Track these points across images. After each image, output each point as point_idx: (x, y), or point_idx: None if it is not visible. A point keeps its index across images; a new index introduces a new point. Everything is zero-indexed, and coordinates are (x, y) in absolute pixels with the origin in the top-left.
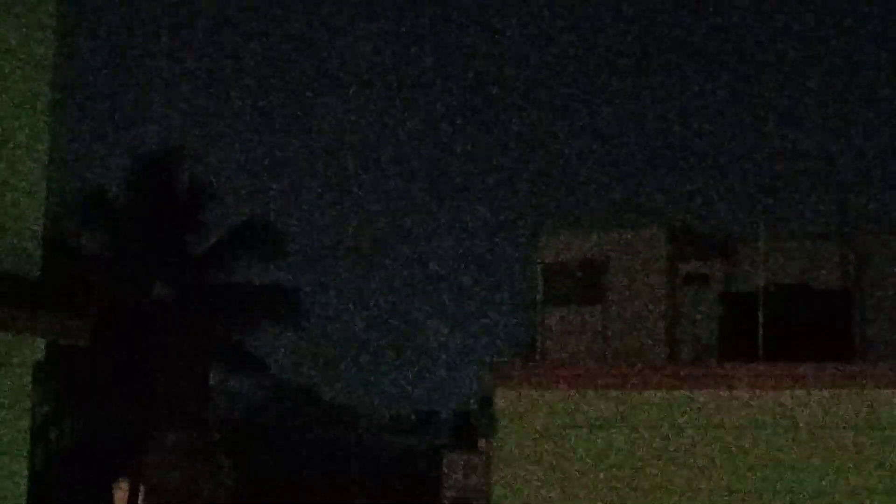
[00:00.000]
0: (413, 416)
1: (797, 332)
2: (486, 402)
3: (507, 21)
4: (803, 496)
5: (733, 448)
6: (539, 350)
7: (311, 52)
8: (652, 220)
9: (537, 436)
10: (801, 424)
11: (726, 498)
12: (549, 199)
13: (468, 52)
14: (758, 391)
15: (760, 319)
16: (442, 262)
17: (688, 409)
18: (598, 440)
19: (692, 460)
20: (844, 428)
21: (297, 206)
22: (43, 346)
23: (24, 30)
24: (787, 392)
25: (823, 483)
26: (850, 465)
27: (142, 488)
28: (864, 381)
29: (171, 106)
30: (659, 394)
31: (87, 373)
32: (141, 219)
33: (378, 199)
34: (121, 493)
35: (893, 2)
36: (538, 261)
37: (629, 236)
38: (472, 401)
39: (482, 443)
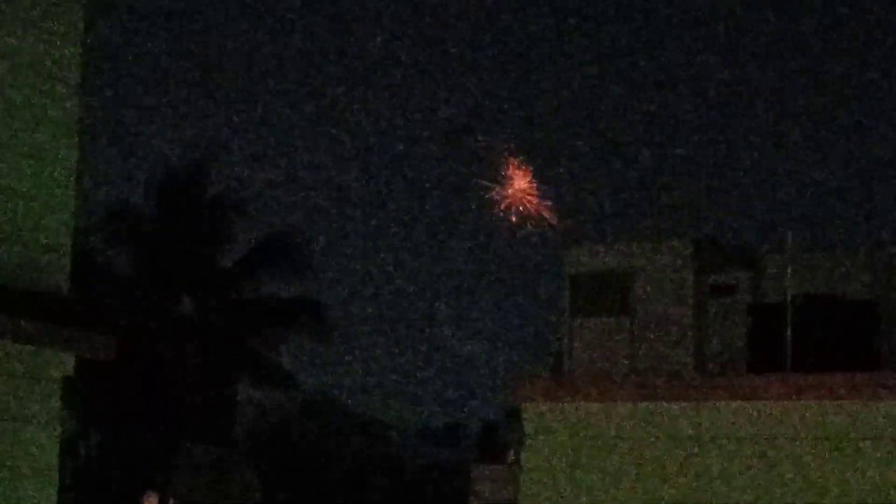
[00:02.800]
0: (441, 428)
1: (825, 343)
2: (514, 414)
3: (531, 22)
4: None
5: (762, 460)
6: (566, 362)
7: (338, 61)
8: (679, 231)
9: (565, 448)
10: (829, 435)
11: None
12: (577, 211)
13: (491, 57)
14: (786, 402)
15: (788, 331)
16: (470, 273)
17: (716, 421)
18: (626, 453)
19: (721, 473)
20: (873, 439)
21: (324, 218)
22: (71, 361)
23: (53, 47)
24: (816, 403)
25: (851, 494)
26: (879, 476)
27: (171, 502)
28: (892, 392)
29: (196, 120)
30: (687, 406)
31: (115, 387)
32: (167, 233)
33: (404, 210)
34: None
35: None
36: (565, 272)
37: (656, 247)
38: (499, 413)
39: (510, 455)
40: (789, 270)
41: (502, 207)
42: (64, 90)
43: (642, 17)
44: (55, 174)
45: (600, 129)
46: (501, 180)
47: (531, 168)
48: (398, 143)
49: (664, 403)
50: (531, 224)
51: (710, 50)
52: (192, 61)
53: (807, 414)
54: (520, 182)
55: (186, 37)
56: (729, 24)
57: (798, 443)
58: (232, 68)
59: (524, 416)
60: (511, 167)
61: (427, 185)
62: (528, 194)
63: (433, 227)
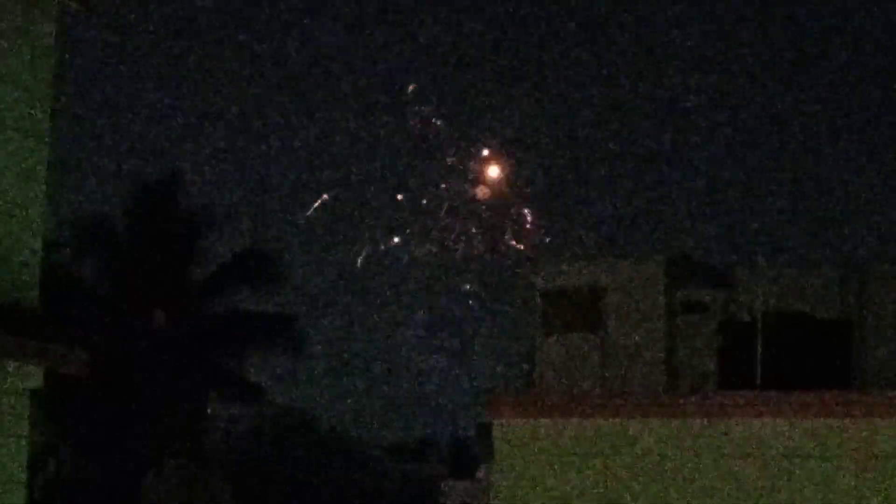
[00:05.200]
0: (412, 444)
1: (796, 360)
2: (484, 430)
3: (506, 26)
4: None
5: (732, 477)
6: (537, 378)
7: (313, 73)
8: (650, 248)
9: (535, 464)
10: (799, 453)
11: None
12: (549, 227)
13: (465, 64)
14: (756, 420)
15: (759, 348)
16: (439, 289)
17: (686, 438)
18: (596, 469)
19: (690, 490)
20: (843, 457)
21: (295, 232)
22: (41, 375)
23: (23, 60)
24: (786, 421)
25: None
26: (850, 494)
27: None
28: (863, 410)
29: (169, 133)
30: (657, 423)
31: (85, 401)
32: (139, 247)
33: (374, 225)
34: None
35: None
36: (537, 288)
37: (627, 265)
38: (470, 429)
39: (480, 471)
40: (760, 288)
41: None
42: (34, 102)
43: (618, 30)
44: (25, 186)
45: (573, 144)
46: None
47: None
48: (370, 153)
49: (634, 420)
50: (506, 241)
51: (681, 63)
52: (168, 73)
53: (777, 431)
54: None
55: (162, 47)
56: (708, 38)
57: (767, 460)
58: (207, 80)
59: (494, 432)
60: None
61: (397, 195)
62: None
63: (403, 236)
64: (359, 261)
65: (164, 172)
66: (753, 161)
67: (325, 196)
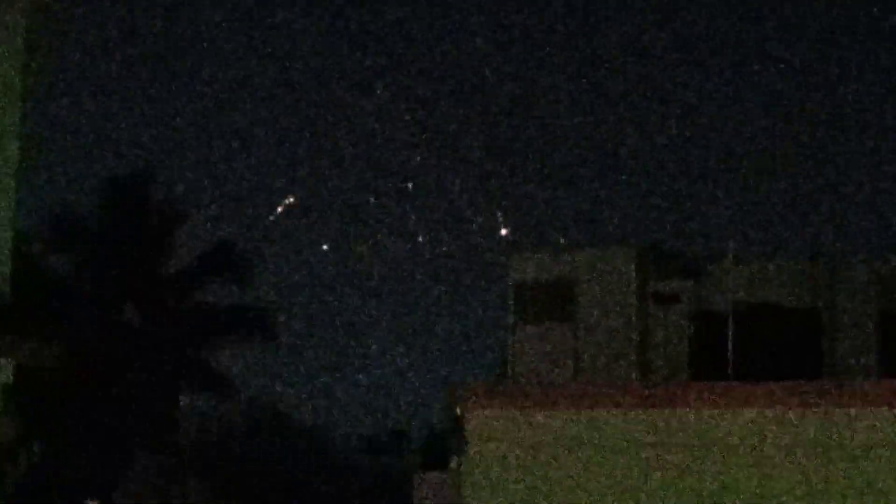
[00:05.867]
0: (384, 436)
1: (767, 351)
2: (457, 421)
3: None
4: None
5: (702, 468)
6: (510, 369)
7: (293, 66)
8: (622, 239)
9: (507, 455)
10: (770, 443)
11: None
12: (520, 218)
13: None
14: (728, 410)
15: (730, 339)
16: (414, 280)
17: (658, 428)
18: (569, 460)
19: (662, 480)
20: (813, 447)
21: (266, 226)
22: (11, 369)
23: None
24: (757, 411)
25: (790, 501)
26: (820, 483)
27: None
28: (833, 400)
29: (141, 125)
30: (630, 413)
31: (56, 395)
32: (111, 240)
33: (349, 217)
34: None
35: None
36: (510, 279)
37: (599, 255)
38: (442, 421)
39: (452, 462)
40: (731, 279)
41: None
42: (5, 95)
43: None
44: None
45: (548, 135)
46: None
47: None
48: (343, 146)
49: (606, 411)
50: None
51: (660, 61)
52: (140, 64)
53: (748, 421)
54: None
55: (136, 40)
56: (691, 34)
57: (739, 450)
58: (181, 72)
59: (466, 423)
60: None
61: (375, 186)
62: None
63: (379, 228)
64: (329, 253)
65: (137, 165)
66: (723, 151)
67: (290, 199)
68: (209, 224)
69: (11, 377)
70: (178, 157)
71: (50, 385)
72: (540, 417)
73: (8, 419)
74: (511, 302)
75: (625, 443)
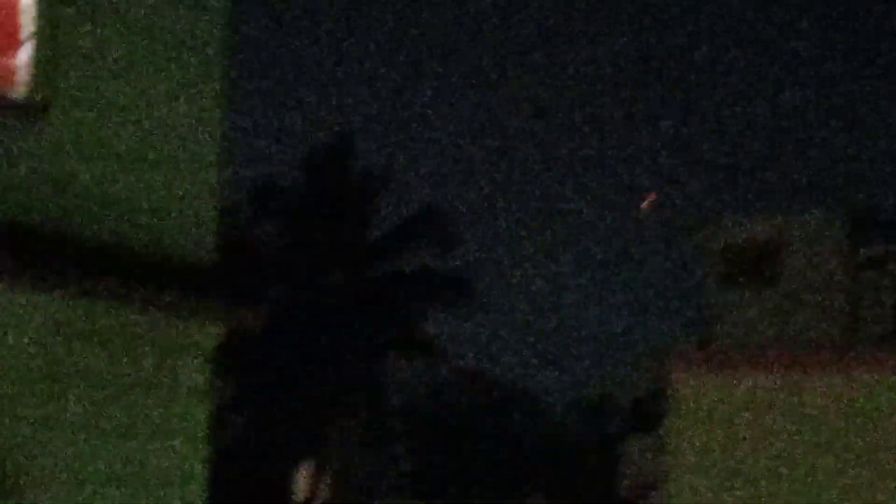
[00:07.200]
0: (590, 401)
1: None
2: (663, 385)
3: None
4: None
5: None
6: (715, 333)
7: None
8: (830, 203)
9: (714, 419)
10: None
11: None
12: (720, 182)
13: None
14: None
15: None
16: (616, 248)
17: (866, 393)
18: (774, 424)
19: (867, 444)
20: None
21: (469, 191)
22: (220, 333)
23: (195, 20)
24: None
25: None
26: None
27: (324, 474)
28: None
29: (340, 94)
30: (836, 378)
31: (263, 360)
32: (315, 207)
33: (549, 190)
34: (303, 479)
35: None
36: (712, 245)
37: (806, 219)
38: (648, 385)
39: (660, 428)
40: None
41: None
42: (204, 65)
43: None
44: (196, 148)
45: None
46: None
47: None
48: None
49: (811, 375)
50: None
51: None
52: (348, 31)
53: None
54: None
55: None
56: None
57: None
58: (385, 42)
59: (673, 387)
60: None
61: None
62: None
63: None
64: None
65: (334, 136)
66: None
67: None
68: (414, 189)
69: (222, 342)
70: (379, 122)
71: (257, 350)
72: (745, 382)
73: (219, 384)
74: (714, 268)
75: (831, 407)
